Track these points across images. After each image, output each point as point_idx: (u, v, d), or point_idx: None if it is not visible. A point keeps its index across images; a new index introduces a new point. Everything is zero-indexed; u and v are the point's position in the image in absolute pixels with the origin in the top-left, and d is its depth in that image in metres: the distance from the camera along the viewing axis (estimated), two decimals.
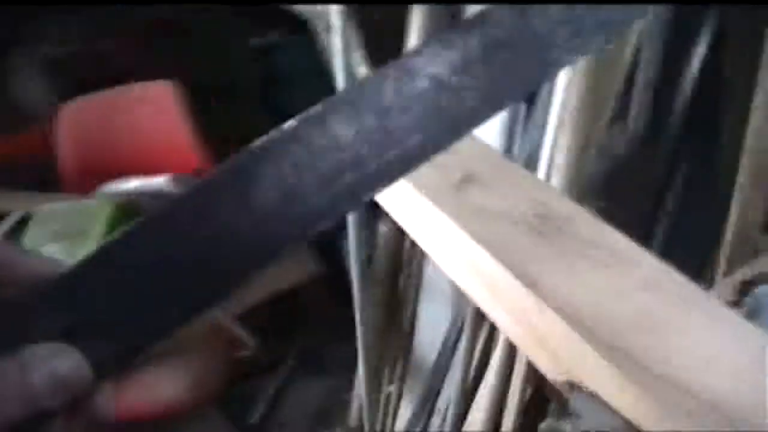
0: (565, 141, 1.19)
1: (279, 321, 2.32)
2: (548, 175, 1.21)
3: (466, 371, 1.55)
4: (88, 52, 2.48)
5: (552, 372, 0.53)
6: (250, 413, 2.40)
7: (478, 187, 0.57)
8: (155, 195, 1.99)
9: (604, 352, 0.44)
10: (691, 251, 1.23)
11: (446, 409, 1.67)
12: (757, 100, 1.11)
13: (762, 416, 0.39)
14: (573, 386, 0.49)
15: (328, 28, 1.84)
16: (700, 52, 1.20)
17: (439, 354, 1.69)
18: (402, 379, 1.93)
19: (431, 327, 1.76)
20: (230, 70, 2.42)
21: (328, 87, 2.15)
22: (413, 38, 1.45)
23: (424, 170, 0.62)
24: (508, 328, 0.59)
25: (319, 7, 1.74)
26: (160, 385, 1.80)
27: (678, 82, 1.24)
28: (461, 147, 0.65)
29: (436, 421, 1.77)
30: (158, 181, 1.98)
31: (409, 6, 1.43)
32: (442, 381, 1.70)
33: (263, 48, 2.41)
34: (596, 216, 0.53)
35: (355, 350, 1.86)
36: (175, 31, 2.45)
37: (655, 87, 1.23)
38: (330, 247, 1.86)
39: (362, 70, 1.51)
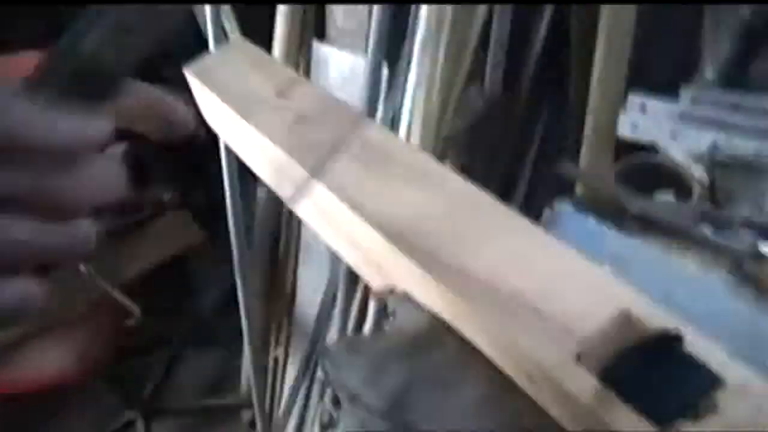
0: (423, 101, 1.26)
1: (166, 291, 2.31)
2: (408, 135, 1.28)
3: (343, 328, 1.61)
4: None
5: (375, 281, 0.59)
6: (142, 387, 2.39)
7: (309, 126, 0.63)
8: None
9: (416, 257, 0.50)
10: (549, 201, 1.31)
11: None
12: (597, 51, 1.20)
13: (548, 302, 0.45)
14: (391, 291, 0.55)
15: None
16: (547, 11, 1.29)
17: (319, 314, 1.75)
18: (287, 342, 1.98)
19: (311, 289, 1.81)
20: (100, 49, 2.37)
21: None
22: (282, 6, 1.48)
23: (264, 115, 0.68)
24: (346, 253, 0.65)
25: None
26: (44, 358, 1.78)
27: (529, 40, 1.32)
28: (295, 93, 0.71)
29: (320, 378, 1.82)
30: None
31: None
32: (324, 339, 1.76)
33: None
34: (414, 147, 0.59)
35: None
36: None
37: (507, 46, 1.31)
38: (213, 214, 1.87)
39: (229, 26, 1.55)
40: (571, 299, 0.45)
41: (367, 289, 1.56)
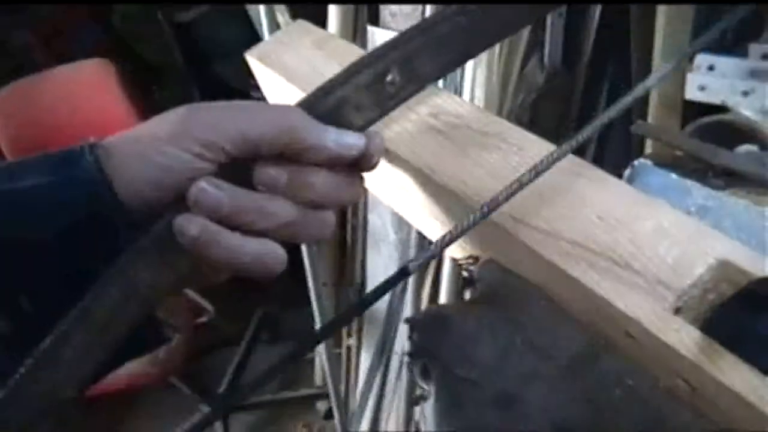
0: (485, 78, 1.24)
1: (236, 287, 2.34)
2: None
3: (417, 312, 1.61)
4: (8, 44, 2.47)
5: (462, 256, 0.58)
6: (217, 383, 2.43)
7: None
8: None
9: (505, 222, 0.49)
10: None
11: (402, 353, 1.74)
12: (658, 23, 1.17)
13: (641, 257, 0.44)
14: (476, 259, 0.54)
15: None
16: None
17: (390, 302, 1.75)
18: (359, 331, 1.99)
19: (381, 277, 1.81)
20: (156, 47, 2.42)
21: None
22: None
23: None
24: (424, 225, 0.64)
25: None
26: None
27: (586, 10, 1.29)
28: None
29: (394, 365, 1.83)
30: None
31: None
32: (396, 327, 1.77)
33: (186, 23, 2.41)
34: (486, 112, 0.58)
35: (312, 312, 1.92)
36: (99, 13, 2.45)
37: (565, 18, 1.29)
38: None
39: (282, 19, 1.55)
40: (664, 252, 0.44)
41: (438, 272, 1.56)
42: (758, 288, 0.40)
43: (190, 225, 0.42)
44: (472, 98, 1.27)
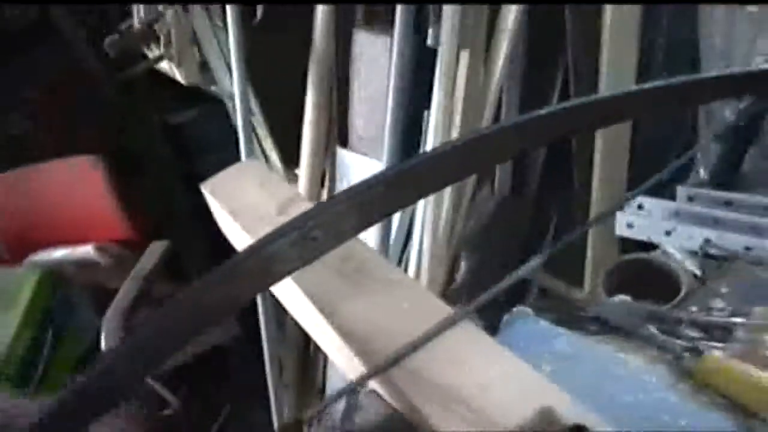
0: (434, 206, 1.34)
1: (201, 382, 2.38)
2: (422, 238, 1.35)
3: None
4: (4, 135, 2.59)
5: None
6: None
7: None
8: (80, 263, 2.09)
9: (377, 359, 0.57)
10: None
11: None
12: (597, 153, 1.28)
13: (480, 398, 0.52)
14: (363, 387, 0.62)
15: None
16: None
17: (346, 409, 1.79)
18: None
19: (341, 384, 1.84)
20: (148, 145, 2.54)
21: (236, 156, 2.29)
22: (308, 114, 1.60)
23: (265, 230, 0.76)
24: (327, 350, 0.72)
25: (229, 87, 1.89)
26: None
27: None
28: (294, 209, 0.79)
29: None
30: (83, 250, 2.08)
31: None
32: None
33: (179, 123, 2.55)
34: (385, 258, 0.67)
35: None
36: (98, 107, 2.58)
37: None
38: (245, 309, 1.96)
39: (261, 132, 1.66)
40: (500, 396, 0.52)
41: None
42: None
43: None
44: (422, 224, 1.36)
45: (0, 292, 1.89)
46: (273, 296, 1.61)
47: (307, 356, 1.96)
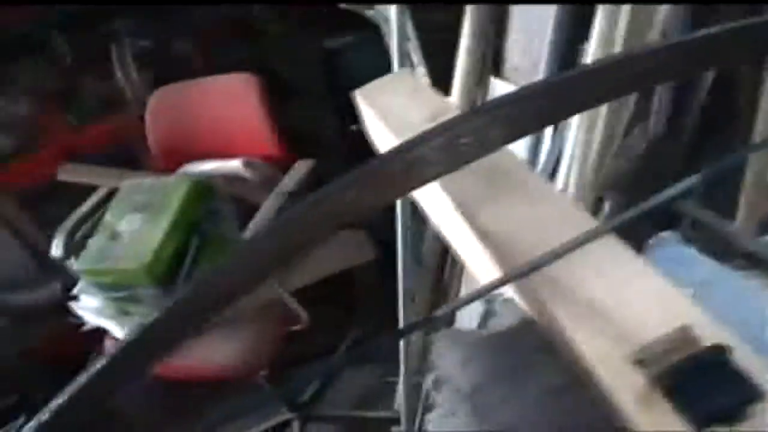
0: (586, 139, 1.30)
1: (333, 301, 2.45)
2: (569, 172, 1.32)
3: None
4: (165, 51, 2.71)
5: None
6: (302, 392, 2.54)
7: None
8: (229, 177, 2.17)
9: (509, 266, 0.57)
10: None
11: None
12: (763, 102, 1.20)
13: (620, 311, 0.51)
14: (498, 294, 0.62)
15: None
16: None
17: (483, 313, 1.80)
18: None
19: (470, 316, 1.86)
20: (302, 69, 2.59)
21: None
22: (464, 42, 1.58)
23: None
24: (461, 253, 0.72)
25: (385, 11, 1.88)
26: (212, 351, 1.90)
27: (695, 84, 1.32)
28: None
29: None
30: (232, 164, 2.17)
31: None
32: None
33: (334, 49, 2.58)
34: (531, 169, 0.66)
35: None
36: (251, 32, 2.65)
37: (673, 91, 1.33)
38: (387, 235, 1.98)
39: (416, 59, 1.65)
40: (640, 311, 0.50)
41: None
42: (708, 353, 0.46)
43: None
44: (572, 155, 1.33)
45: (152, 198, 1.98)
46: (413, 224, 1.64)
47: (440, 289, 1.97)
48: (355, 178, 0.52)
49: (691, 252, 0.65)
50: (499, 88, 1.62)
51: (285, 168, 2.18)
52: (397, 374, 2.25)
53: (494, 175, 0.67)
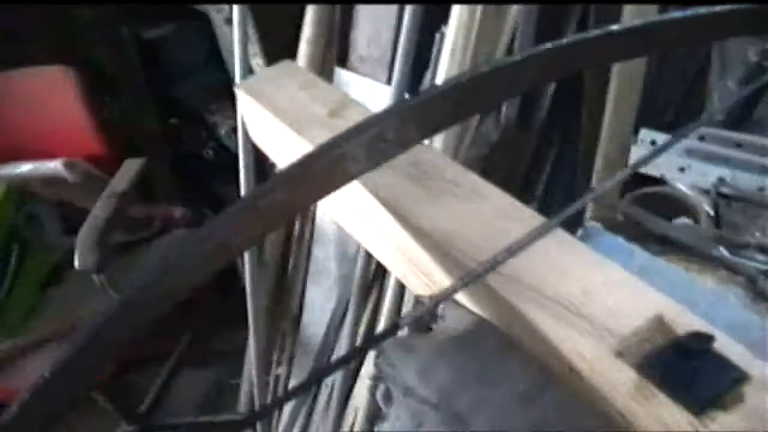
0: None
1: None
2: None
3: (352, 347, 1.65)
4: None
5: (423, 290, 0.64)
6: (140, 402, 2.42)
7: None
8: (47, 178, 2.01)
9: (459, 267, 0.55)
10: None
11: (332, 385, 1.77)
12: (611, 89, 1.27)
13: (589, 305, 0.51)
14: (437, 297, 0.60)
15: (226, 21, 1.93)
16: None
17: (326, 333, 1.79)
18: (290, 360, 2.01)
19: (318, 308, 1.85)
20: (120, 60, 2.44)
21: (212, 78, 2.21)
22: (306, 31, 1.54)
23: (318, 131, 0.73)
24: (389, 259, 0.70)
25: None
26: (38, 369, 1.77)
27: None
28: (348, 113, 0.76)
29: (323, 397, 1.86)
30: (51, 165, 2.00)
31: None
32: (329, 358, 1.80)
33: (155, 39, 2.45)
34: (457, 163, 0.65)
35: (240, 338, 1.94)
36: (62, 19, 2.45)
37: None
38: None
39: (258, 61, 1.60)
40: (610, 303, 0.50)
41: (377, 304, 1.61)
42: (690, 339, 0.47)
43: None
44: (429, 144, 1.34)
45: None
46: None
47: (283, 281, 1.93)
48: (283, 179, 0.49)
49: (622, 241, 0.67)
50: (344, 78, 1.60)
51: (108, 167, 2.05)
52: (239, 375, 2.21)
53: (421, 173, 0.65)
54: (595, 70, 1.31)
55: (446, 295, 0.54)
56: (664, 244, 0.73)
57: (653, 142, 1.21)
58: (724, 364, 0.46)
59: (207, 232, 0.50)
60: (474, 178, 0.63)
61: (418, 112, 0.53)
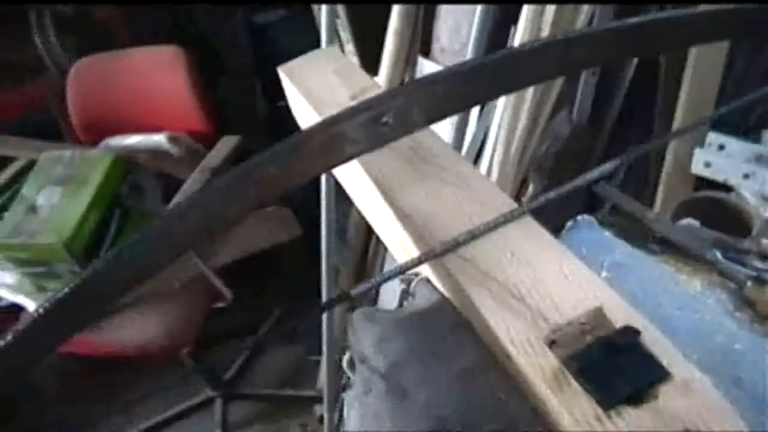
0: (511, 122, 1.31)
1: (258, 279, 2.44)
2: (493, 154, 1.34)
3: None
4: (86, 18, 2.61)
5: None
6: (225, 371, 2.53)
7: None
8: (152, 151, 2.12)
9: (428, 247, 0.57)
10: None
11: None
12: (684, 90, 1.23)
13: (535, 294, 0.51)
14: (416, 275, 0.62)
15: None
16: None
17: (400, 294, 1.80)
18: None
19: (393, 292, 1.86)
20: (231, 44, 2.55)
21: None
22: (393, 22, 1.57)
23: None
24: (382, 234, 0.72)
25: None
26: (133, 327, 1.88)
27: (618, 72, 1.35)
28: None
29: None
30: (156, 139, 2.12)
31: None
32: None
33: (263, 25, 2.55)
34: (456, 151, 0.66)
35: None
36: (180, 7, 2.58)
37: (598, 78, 1.35)
38: (314, 213, 1.97)
39: (344, 36, 1.64)
40: (554, 293, 0.51)
41: None
42: (619, 334, 0.47)
43: None
44: (496, 138, 1.34)
45: (73, 171, 1.93)
46: (338, 203, 1.63)
47: (364, 267, 1.97)
48: (276, 153, 0.51)
49: (607, 235, 0.67)
50: (427, 68, 1.62)
51: (211, 144, 2.15)
52: (320, 353, 2.26)
53: (417, 157, 0.67)
54: (670, 67, 1.28)
55: (398, 272, 0.55)
56: (663, 244, 0.72)
57: (721, 147, 1.17)
58: (648, 361, 0.46)
59: (198, 199, 0.53)
60: (465, 165, 0.64)
61: (422, 95, 0.54)
